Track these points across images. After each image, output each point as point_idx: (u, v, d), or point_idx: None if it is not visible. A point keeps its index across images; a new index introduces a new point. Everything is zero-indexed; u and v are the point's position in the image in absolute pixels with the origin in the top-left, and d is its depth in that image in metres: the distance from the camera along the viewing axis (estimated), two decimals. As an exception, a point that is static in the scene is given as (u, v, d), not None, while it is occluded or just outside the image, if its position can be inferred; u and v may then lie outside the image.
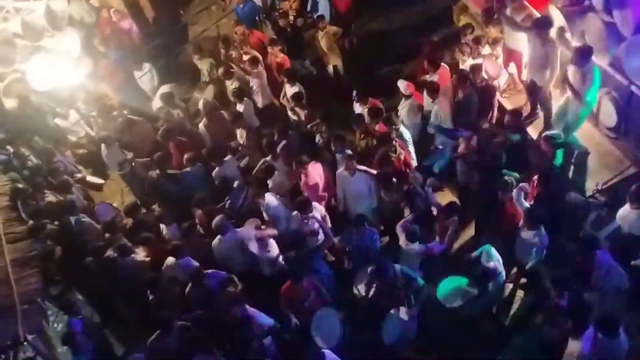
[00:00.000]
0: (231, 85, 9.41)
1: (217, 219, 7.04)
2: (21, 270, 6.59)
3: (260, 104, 9.38)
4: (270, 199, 7.33)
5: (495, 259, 6.21)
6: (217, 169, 8.09)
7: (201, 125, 8.84)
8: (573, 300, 5.61)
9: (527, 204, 6.41)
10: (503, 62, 8.27)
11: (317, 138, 8.19)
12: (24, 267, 6.64)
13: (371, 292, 6.33)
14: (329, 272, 7.05)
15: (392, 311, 6.18)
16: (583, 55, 6.63)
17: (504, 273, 6.30)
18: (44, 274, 6.81)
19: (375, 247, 6.91)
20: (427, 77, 8.30)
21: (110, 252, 7.35)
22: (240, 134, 8.59)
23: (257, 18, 10.95)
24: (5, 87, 8.04)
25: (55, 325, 6.82)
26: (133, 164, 8.79)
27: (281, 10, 10.56)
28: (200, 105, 9.25)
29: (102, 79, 10.09)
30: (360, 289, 6.55)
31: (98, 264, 7.31)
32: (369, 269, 6.36)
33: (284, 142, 7.93)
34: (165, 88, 9.96)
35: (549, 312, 5.80)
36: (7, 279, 6.51)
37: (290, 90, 8.86)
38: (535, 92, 7.78)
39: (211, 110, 8.85)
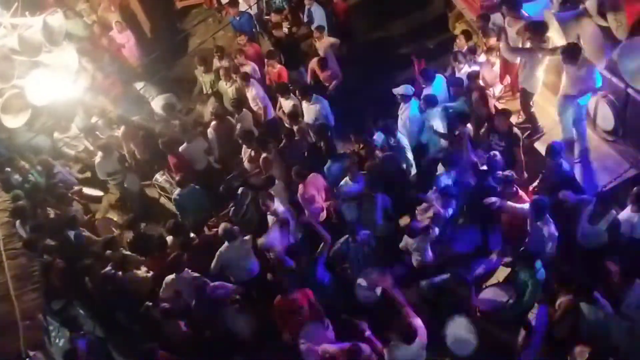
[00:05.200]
0: (229, 88, 9.48)
1: (224, 225, 7.06)
2: (22, 286, 6.58)
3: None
4: (279, 205, 7.34)
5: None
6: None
7: (210, 129, 8.93)
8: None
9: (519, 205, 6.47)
10: (500, 72, 8.30)
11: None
12: (25, 283, 6.62)
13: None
14: (330, 279, 6.99)
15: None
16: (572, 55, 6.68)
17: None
18: (45, 289, 6.79)
19: (372, 252, 6.90)
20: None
21: (108, 269, 7.35)
22: (244, 151, 8.57)
23: (253, 30, 10.99)
24: (4, 103, 8.04)
25: (57, 340, 6.79)
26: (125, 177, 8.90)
27: (274, 22, 10.60)
28: (209, 112, 9.43)
29: (100, 92, 10.15)
30: (365, 295, 6.56)
31: (97, 281, 7.32)
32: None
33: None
34: (160, 100, 10.00)
35: (562, 308, 5.74)
36: (8, 294, 6.50)
37: (285, 103, 8.88)
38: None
39: (222, 115, 9.01)
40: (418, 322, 5.70)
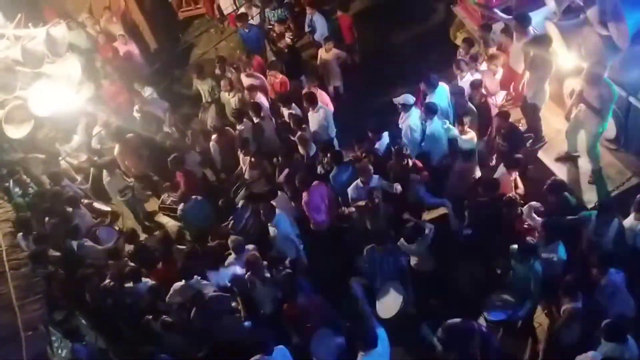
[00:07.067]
0: (232, 98, 9.50)
1: (233, 238, 7.13)
2: (25, 297, 6.56)
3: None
4: (282, 216, 7.35)
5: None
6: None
7: (212, 143, 8.93)
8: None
9: (539, 219, 6.43)
10: (503, 80, 8.31)
11: (319, 169, 8.21)
12: (28, 293, 6.60)
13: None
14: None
15: None
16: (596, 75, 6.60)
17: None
18: (47, 299, 6.78)
19: (399, 266, 6.77)
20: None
21: (107, 281, 7.35)
22: (243, 160, 8.59)
23: (262, 42, 10.99)
24: (7, 114, 8.08)
25: (60, 351, 6.78)
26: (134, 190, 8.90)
27: (277, 32, 10.63)
28: (210, 120, 9.44)
29: (104, 100, 10.18)
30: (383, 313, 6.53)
31: (95, 293, 7.33)
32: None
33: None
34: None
35: (565, 315, 5.74)
36: (10, 305, 6.48)
37: (287, 113, 8.88)
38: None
39: (222, 128, 9.03)
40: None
